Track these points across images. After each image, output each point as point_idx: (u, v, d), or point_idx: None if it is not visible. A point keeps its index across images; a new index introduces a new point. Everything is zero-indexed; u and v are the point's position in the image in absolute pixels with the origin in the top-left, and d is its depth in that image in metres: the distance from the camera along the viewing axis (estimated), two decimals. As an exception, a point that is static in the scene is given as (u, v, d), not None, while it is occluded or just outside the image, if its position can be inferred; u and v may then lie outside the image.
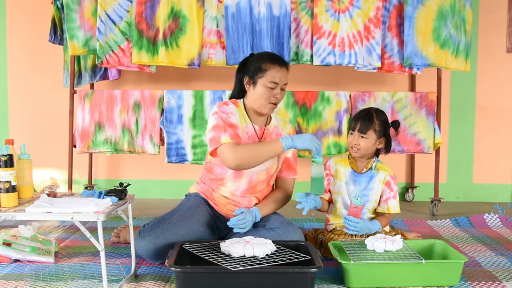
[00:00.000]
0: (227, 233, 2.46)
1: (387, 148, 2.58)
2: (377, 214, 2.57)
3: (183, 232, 2.28)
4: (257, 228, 2.35)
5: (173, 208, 2.46)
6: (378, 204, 2.55)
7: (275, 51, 3.29)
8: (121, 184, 2.14)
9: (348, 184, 2.55)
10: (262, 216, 2.42)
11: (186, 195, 2.58)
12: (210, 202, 2.49)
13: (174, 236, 2.26)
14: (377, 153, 2.58)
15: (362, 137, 2.49)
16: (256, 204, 2.48)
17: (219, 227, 2.47)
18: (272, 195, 2.53)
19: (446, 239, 2.82)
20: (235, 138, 2.31)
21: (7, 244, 2.34)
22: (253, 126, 2.44)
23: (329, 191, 2.61)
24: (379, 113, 2.55)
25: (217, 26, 3.33)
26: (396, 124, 2.56)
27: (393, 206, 2.53)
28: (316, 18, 3.30)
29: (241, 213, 2.35)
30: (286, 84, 2.41)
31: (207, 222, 2.40)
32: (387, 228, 2.60)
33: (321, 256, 2.29)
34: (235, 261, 1.92)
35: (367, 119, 2.50)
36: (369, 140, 2.49)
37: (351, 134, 2.54)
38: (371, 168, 2.54)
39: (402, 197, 4.01)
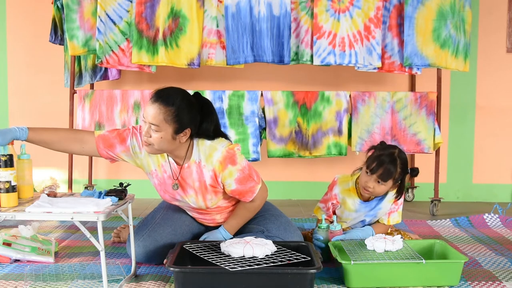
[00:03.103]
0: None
1: (399, 193, 2.46)
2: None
3: (170, 230, 2.30)
4: (256, 234, 2.31)
5: (153, 208, 2.47)
6: None
7: (275, 51, 3.29)
8: (121, 184, 2.14)
9: (357, 211, 2.51)
10: (233, 232, 2.30)
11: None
12: None
13: (161, 236, 2.27)
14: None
15: (378, 182, 2.36)
16: (222, 220, 2.37)
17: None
18: (240, 207, 2.32)
19: (446, 239, 2.82)
20: (103, 135, 2.19)
21: (7, 244, 2.34)
22: (170, 162, 2.21)
23: (334, 213, 2.56)
24: (402, 158, 2.38)
25: (217, 26, 3.33)
26: (414, 172, 2.45)
27: (394, 218, 2.53)
28: (316, 18, 3.30)
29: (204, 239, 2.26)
30: (154, 125, 2.02)
31: (190, 219, 2.40)
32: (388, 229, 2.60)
33: (321, 257, 2.30)
34: (234, 261, 1.92)
35: (392, 167, 2.33)
36: (385, 187, 2.38)
37: (367, 174, 2.37)
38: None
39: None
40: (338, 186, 2.53)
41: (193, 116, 2.12)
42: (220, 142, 2.19)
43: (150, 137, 2.06)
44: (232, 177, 2.17)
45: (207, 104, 2.22)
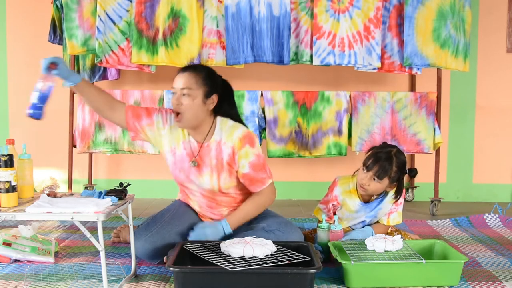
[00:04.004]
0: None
1: (397, 194, 2.47)
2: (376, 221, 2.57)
3: (177, 229, 2.31)
4: (256, 230, 2.34)
5: (163, 208, 2.49)
6: None
7: (275, 51, 3.29)
8: (121, 184, 2.14)
9: (358, 212, 2.52)
10: (235, 227, 2.29)
11: (173, 200, 2.59)
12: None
13: (169, 234, 2.28)
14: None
15: (374, 179, 2.38)
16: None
17: None
18: (246, 201, 2.37)
19: (446, 239, 2.82)
20: (132, 106, 2.35)
21: (7, 244, 2.34)
22: (190, 141, 2.32)
23: (334, 214, 2.57)
24: (399, 157, 2.40)
25: (217, 26, 3.33)
26: (412, 173, 2.46)
27: (393, 218, 2.53)
28: (316, 18, 3.30)
29: (202, 228, 2.27)
30: (187, 88, 2.19)
31: (198, 220, 2.42)
32: (388, 229, 2.60)
33: (322, 257, 2.30)
34: (234, 261, 1.92)
35: (387, 163, 2.35)
36: (381, 185, 2.40)
37: (364, 171, 2.40)
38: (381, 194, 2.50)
39: (402, 197, 4.01)
40: (338, 187, 2.53)
41: (219, 85, 2.30)
42: (242, 125, 2.35)
43: (182, 104, 2.20)
44: (247, 159, 2.26)
45: (229, 85, 2.39)
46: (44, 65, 2.09)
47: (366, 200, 2.50)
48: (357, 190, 2.49)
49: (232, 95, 2.40)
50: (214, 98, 2.27)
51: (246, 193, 2.41)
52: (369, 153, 2.45)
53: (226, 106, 2.35)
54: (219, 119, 2.32)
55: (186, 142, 2.33)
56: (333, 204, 2.53)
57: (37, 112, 1.98)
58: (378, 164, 2.36)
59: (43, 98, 2.00)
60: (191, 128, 2.30)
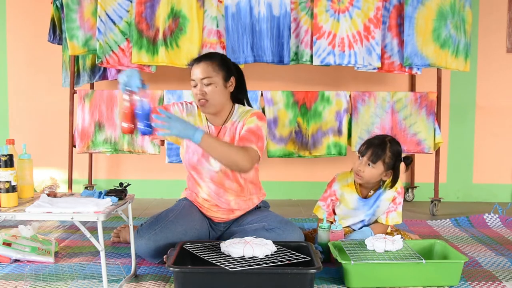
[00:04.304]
0: (221, 235, 2.49)
1: (393, 182, 2.48)
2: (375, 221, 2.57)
3: (181, 229, 2.31)
4: (256, 228, 2.35)
5: (166, 208, 2.49)
6: None
7: (275, 51, 3.30)
8: (121, 184, 2.14)
9: (355, 209, 2.53)
10: (205, 142, 2.10)
11: (177, 200, 2.60)
12: (197, 206, 2.50)
13: (172, 234, 2.29)
14: (382, 181, 2.49)
15: (369, 165, 2.41)
16: (236, 207, 2.46)
17: (213, 228, 2.50)
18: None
19: (446, 239, 2.82)
20: None
21: (7, 244, 2.34)
22: (208, 126, 2.42)
23: (334, 212, 2.59)
24: (394, 144, 2.44)
25: (217, 26, 3.33)
26: (408, 161, 2.47)
27: (392, 218, 2.53)
28: (316, 18, 3.30)
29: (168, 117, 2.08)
30: (207, 78, 2.29)
31: (202, 220, 2.44)
32: (388, 229, 2.60)
33: (322, 257, 2.30)
34: (234, 261, 1.92)
35: (380, 148, 2.40)
36: (376, 171, 2.42)
37: (359, 159, 2.44)
38: (378, 188, 2.51)
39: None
40: (337, 182, 2.56)
41: (234, 67, 2.42)
42: (256, 109, 2.53)
43: (205, 93, 2.30)
44: (249, 125, 2.33)
45: (240, 69, 2.49)
46: (138, 81, 2.00)
47: (364, 195, 2.51)
48: (355, 184, 2.51)
49: (243, 79, 2.50)
50: (233, 81, 2.39)
51: (253, 184, 2.49)
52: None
53: (240, 90, 2.47)
54: (236, 106, 2.45)
55: (205, 127, 2.42)
56: (331, 199, 2.55)
57: (149, 130, 2.03)
58: (371, 148, 2.41)
59: (147, 115, 2.02)
60: (214, 113, 2.39)
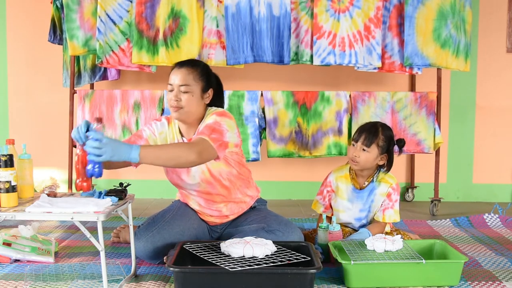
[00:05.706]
0: (219, 237, 2.49)
1: (389, 166, 2.52)
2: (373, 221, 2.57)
3: (178, 229, 2.32)
4: (257, 230, 2.34)
5: (163, 209, 2.50)
6: None
7: (275, 51, 3.30)
8: (121, 184, 2.14)
9: (350, 202, 2.55)
10: (146, 157, 1.92)
11: (173, 201, 2.60)
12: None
13: (169, 234, 2.29)
14: (378, 169, 2.53)
15: (363, 149, 2.45)
16: (228, 213, 2.44)
17: (211, 228, 2.50)
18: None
19: (446, 239, 2.82)
20: (134, 137, 2.31)
21: (7, 244, 2.34)
22: (182, 139, 2.33)
23: (331, 206, 2.61)
24: (386, 128, 2.49)
25: (217, 26, 3.33)
26: (401, 143, 2.51)
27: (389, 215, 2.53)
28: (316, 18, 3.30)
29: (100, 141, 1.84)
30: (185, 85, 2.21)
31: (199, 220, 2.45)
32: (388, 228, 2.60)
33: (321, 257, 2.30)
34: (234, 261, 1.92)
35: (372, 132, 2.45)
36: (370, 155, 2.45)
37: (353, 145, 2.49)
38: (372, 181, 2.53)
39: (402, 197, 4.01)
40: (333, 174, 2.63)
41: (214, 79, 2.36)
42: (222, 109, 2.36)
43: (180, 100, 2.22)
44: (207, 121, 2.21)
45: (220, 80, 2.44)
46: (84, 129, 1.88)
47: (359, 186, 2.54)
48: (350, 174, 2.55)
49: (222, 91, 2.44)
50: (210, 93, 2.31)
51: (241, 180, 2.41)
52: None
53: (217, 102, 2.39)
54: (207, 111, 2.32)
55: (181, 141, 2.34)
56: (327, 191, 2.60)
57: (97, 171, 1.86)
58: (364, 133, 2.46)
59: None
60: (185, 121, 2.28)
